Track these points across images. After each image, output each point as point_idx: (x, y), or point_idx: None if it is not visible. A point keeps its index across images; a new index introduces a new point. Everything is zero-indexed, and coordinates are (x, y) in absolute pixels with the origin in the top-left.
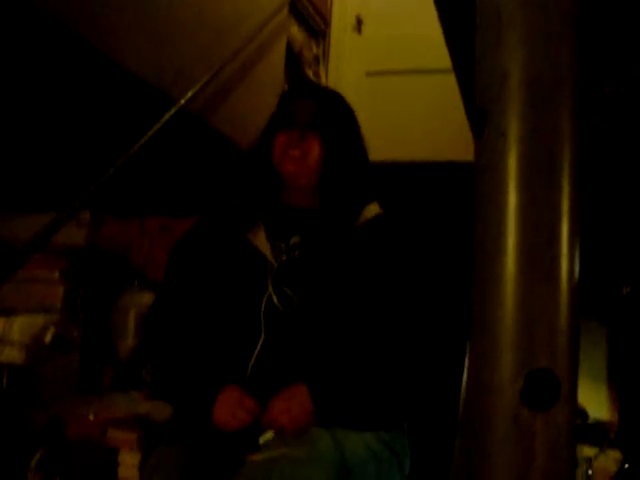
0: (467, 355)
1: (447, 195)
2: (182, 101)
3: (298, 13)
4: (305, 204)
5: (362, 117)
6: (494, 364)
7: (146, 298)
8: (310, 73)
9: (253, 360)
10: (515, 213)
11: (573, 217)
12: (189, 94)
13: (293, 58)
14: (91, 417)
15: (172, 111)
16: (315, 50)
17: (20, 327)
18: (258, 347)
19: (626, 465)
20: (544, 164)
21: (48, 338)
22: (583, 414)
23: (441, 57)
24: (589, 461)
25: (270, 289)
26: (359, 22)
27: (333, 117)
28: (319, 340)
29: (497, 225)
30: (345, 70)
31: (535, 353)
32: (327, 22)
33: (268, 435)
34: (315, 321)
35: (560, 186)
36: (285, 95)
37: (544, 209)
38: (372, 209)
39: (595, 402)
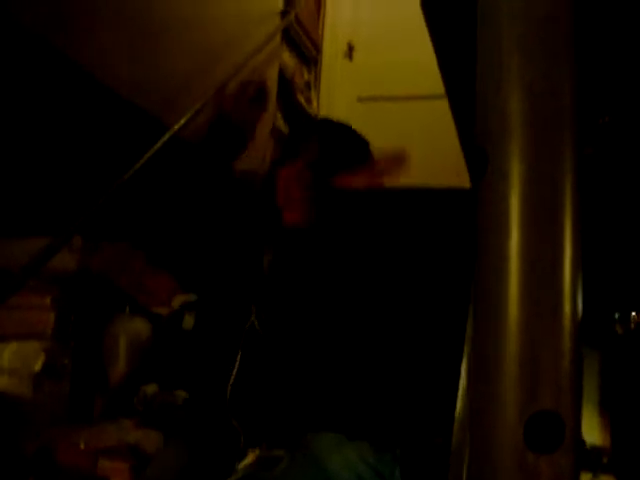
0: (460, 380)
1: (440, 219)
2: (175, 127)
3: (290, 40)
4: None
5: None
6: (496, 407)
7: (137, 325)
8: (302, 99)
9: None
10: (517, 252)
11: (576, 255)
12: (182, 121)
13: (285, 84)
14: (82, 446)
15: (166, 137)
16: (307, 76)
17: (11, 354)
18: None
19: None
20: (547, 203)
21: (39, 365)
22: (581, 442)
23: (431, 83)
24: None
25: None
26: (350, 49)
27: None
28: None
29: (499, 264)
30: (337, 96)
31: (539, 395)
32: (318, 49)
33: (248, 459)
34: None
35: (563, 223)
36: (299, 128)
37: (547, 248)
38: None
39: (588, 427)
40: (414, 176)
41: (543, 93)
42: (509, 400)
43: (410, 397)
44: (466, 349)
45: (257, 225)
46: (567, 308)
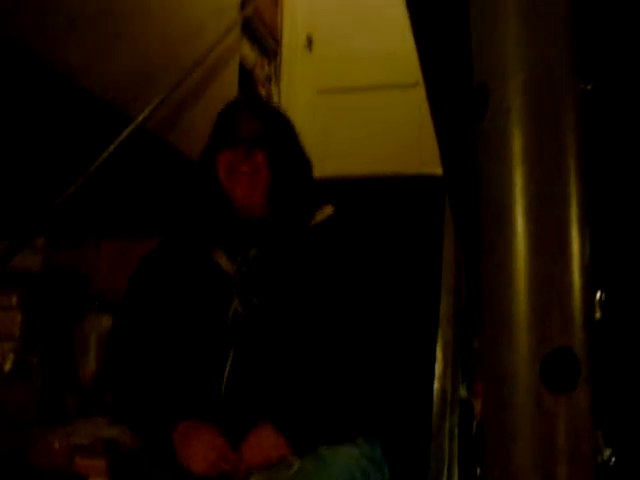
0: (436, 363)
1: (397, 206)
2: (139, 118)
3: (250, 32)
4: (257, 215)
5: (315, 134)
6: (510, 348)
7: (106, 322)
8: (263, 92)
9: (227, 372)
10: (522, 190)
11: (581, 190)
12: (145, 111)
13: (246, 76)
14: (56, 445)
15: (130, 128)
16: (267, 69)
17: None
18: (230, 358)
19: None
20: (550, 137)
21: (8, 366)
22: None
23: (389, 73)
24: None
25: (236, 301)
26: (309, 41)
27: (277, 132)
28: (287, 344)
29: (504, 205)
30: (297, 88)
31: (552, 333)
32: (278, 41)
33: None
34: (280, 325)
35: (569, 163)
36: (226, 112)
37: (552, 183)
38: (325, 211)
39: None
40: (372, 165)
41: (541, 25)
42: (523, 340)
43: (387, 384)
44: (440, 332)
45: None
46: (575, 246)
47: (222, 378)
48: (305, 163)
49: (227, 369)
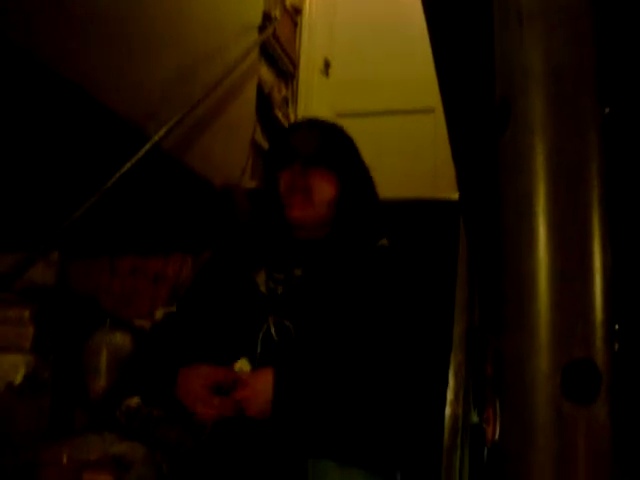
0: (448, 388)
1: (419, 229)
2: (156, 137)
3: (268, 55)
4: (313, 235)
5: None
6: (530, 358)
7: (118, 338)
8: (280, 114)
9: None
10: (544, 202)
11: (604, 208)
12: (162, 131)
13: (263, 99)
14: (64, 460)
15: (147, 147)
16: (284, 92)
17: None
18: None
19: None
20: (573, 154)
21: (18, 379)
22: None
23: (406, 99)
24: None
25: (269, 322)
26: (327, 65)
27: (337, 147)
28: (315, 366)
29: (526, 217)
30: (314, 111)
31: (574, 343)
32: (295, 64)
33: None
34: (311, 349)
35: (591, 177)
36: (284, 130)
37: (574, 194)
38: (382, 242)
39: None
40: (391, 189)
41: (567, 39)
42: (544, 350)
43: (402, 416)
44: (453, 356)
45: (251, 234)
46: (597, 257)
47: None
48: (368, 182)
49: None
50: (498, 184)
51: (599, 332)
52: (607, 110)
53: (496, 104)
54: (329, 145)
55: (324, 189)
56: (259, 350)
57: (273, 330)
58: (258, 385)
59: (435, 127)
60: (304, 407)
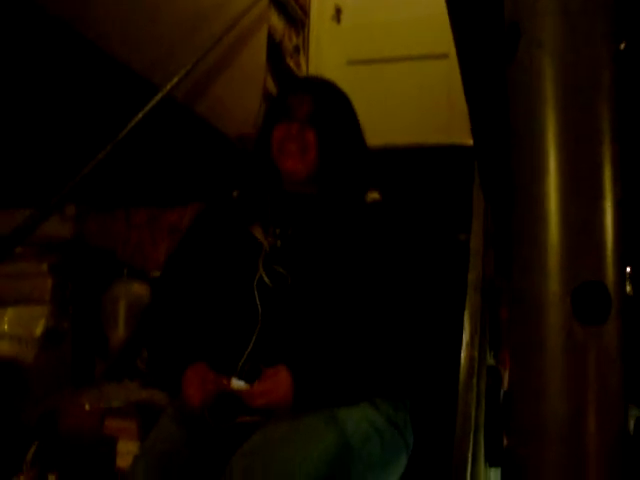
0: (464, 331)
1: (429, 176)
2: (168, 86)
3: (278, 2)
4: (305, 191)
5: None
6: (542, 281)
7: (136, 288)
8: (291, 63)
9: (254, 338)
10: (555, 128)
11: (615, 130)
12: (174, 80)
13: (274, 47)
14: (87, 407)
15: (158, 97)
16: (295, 40)
17: (10, 319)
18: (258, 326)
19: None
20: (584, 76)
21: (39, 330)
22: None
23: (419, 44)
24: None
25: (260, 269)
26: (338, 11)
27: (329, 111)
28: (312, 314)
29: (536, 143)
30: (326, 59)
31: (584, 266)
32: (306, 11)
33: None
34: (307, 296)
35: (602, 101)
36: (284, 88)
37: (586, 123)
38: (371, 196)
39: None
40: (402, 135)
41: None
42: (555, 272)
43: (414, 349)
44: (468, 300)
45: (257, 184)
46: (608, 183)
47: (248, 345)
48: (358, 143)
49: (255, 335)
50: (509, 111)
51: (610, 255)
52: (622, 45)
53: (505, 29)
54: (321, 110)
55: (313, 151)
56: (257, 296)
57: (266, 278)
58: (279, 377)
59: (449, 73)
60: (324, 385)
